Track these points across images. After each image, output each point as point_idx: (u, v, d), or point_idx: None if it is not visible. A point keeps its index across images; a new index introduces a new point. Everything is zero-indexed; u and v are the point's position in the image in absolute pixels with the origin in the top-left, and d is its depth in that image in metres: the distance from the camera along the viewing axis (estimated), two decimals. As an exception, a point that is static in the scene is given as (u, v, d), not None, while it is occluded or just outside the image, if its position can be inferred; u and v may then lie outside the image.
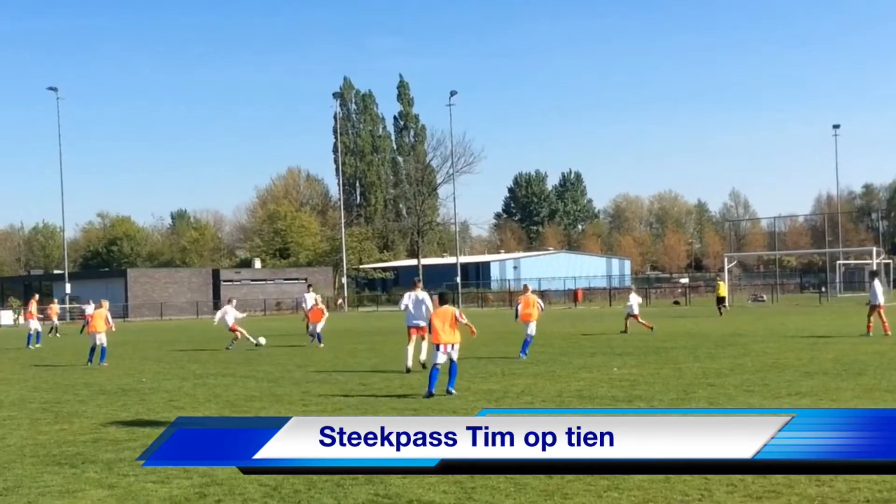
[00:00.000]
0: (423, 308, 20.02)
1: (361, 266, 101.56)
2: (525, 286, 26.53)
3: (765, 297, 69.51)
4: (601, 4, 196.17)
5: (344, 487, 8.50)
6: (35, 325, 35.80)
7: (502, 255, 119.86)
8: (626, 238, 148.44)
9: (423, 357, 19.85)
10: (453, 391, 15.26)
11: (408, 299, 20.62)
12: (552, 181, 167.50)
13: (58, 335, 43.30)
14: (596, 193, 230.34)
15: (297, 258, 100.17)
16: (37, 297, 41.06)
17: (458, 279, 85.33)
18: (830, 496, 7.68)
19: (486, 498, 7.96)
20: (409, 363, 19.73)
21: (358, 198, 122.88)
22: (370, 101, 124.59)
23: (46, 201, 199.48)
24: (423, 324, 19.51)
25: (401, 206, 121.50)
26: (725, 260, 73.30)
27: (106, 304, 25.53)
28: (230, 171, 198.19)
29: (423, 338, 19.79)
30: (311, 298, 32.01)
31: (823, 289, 74.74)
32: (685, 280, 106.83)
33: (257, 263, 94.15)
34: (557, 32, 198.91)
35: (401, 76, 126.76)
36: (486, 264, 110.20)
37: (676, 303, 72.44)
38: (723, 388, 15.30)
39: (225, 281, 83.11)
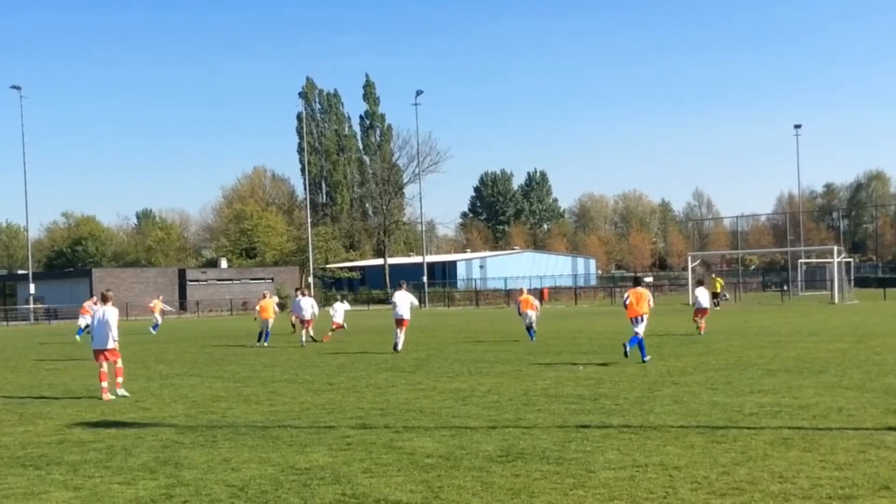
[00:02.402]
0: (408, 304, 25.53)
1: (328, 265, 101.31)
2: (521, 289, 32.52)
3: (728, 296, 70.11)
4: (566, 4, 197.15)
5: (311, 487, 8.50)
6: None
7: (468, 255, 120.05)
8: (592, 237, 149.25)
9: (399, 346, 24.98)
10: (647, 359, 20.01)
11: (396, 297, 25.97)
12: (518, 180, 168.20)
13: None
14: (561, 193, 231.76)
15: (263, 258, 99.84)
16: None
17: (425, 278, 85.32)
18: (793, 493, 7.77)
19: (452, 497, 7.99)
20: (399, 346, 25.00)
21: (324, 197, 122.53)
22: (335, 101, 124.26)
23: (10, 201, 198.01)
24: (406, 317, 25.32)
25: (367, 205, 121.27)
26: (689, 259, 73.80)
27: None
28: (196, 171, 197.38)
29: (401, 329, 25.09)
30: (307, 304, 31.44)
31: (785, 287, 75.51)
32: (650, 279, 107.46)
33: (224, 263, 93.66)
34: (523, 32, 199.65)
35: (367, 75, 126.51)
36: (453, 263, 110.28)
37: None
38: (687, 385, 15.45)
39: (191, 281, 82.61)
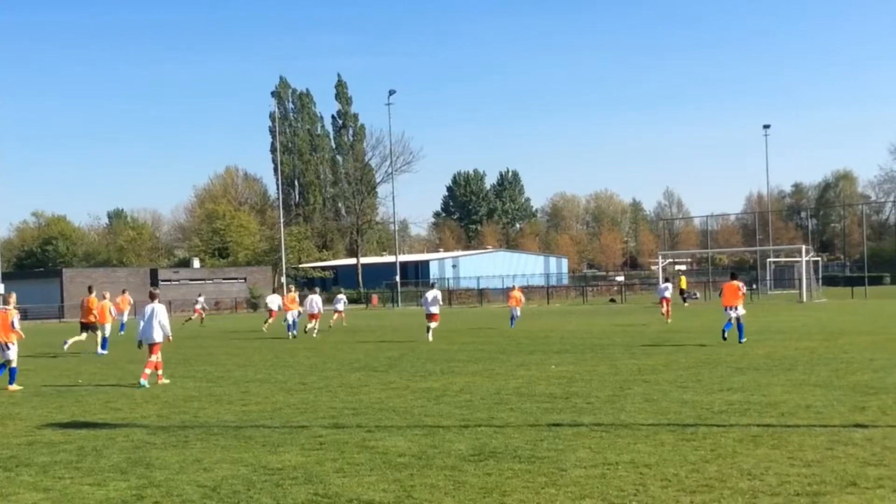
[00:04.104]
0: (435, 300, 30.03)
1: (301, 265, 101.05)
2: (513, 286, 40.75)
3: (698, 295, 70.54)
4: (539, 4, 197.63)
5: (283, 487, 8.50)
6: None
7: (441, 254, 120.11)
8: (563, 237, 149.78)
9: (430, 337, 28.83)
10: (743, 340, 23.67)
11: (427, 294, 31.05)
12: (490, 180, 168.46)
13: None
14: (533, 192, 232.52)
15: (236, 257, 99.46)
16: None
17: (398, 278, 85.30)
18: (761, 489, 7.84)
19: (425, 496, 8.01)
20: (429, 330, 29.21)
21: (297, 197, 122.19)
22: (308, 101, 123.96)
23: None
24: (434, 311, 29.72)
25: (340, 205, 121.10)
26: (660, 258, 74.26)
27: (13, 298, 19.89)
28: (168, 171, 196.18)
29: (433, 321, 29.52)
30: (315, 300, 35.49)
31: (754, 286, 76.08)
32: (621, 278, 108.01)
33: (196, 263, 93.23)
34: (495, 32, 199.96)
35: (339, 75, 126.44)
36: (426, 263, 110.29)
37: (612, 300, 73.23)
38: (657, 384, 15.56)
39: (163, 280, 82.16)
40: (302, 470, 9.21)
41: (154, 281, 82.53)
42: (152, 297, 18.98)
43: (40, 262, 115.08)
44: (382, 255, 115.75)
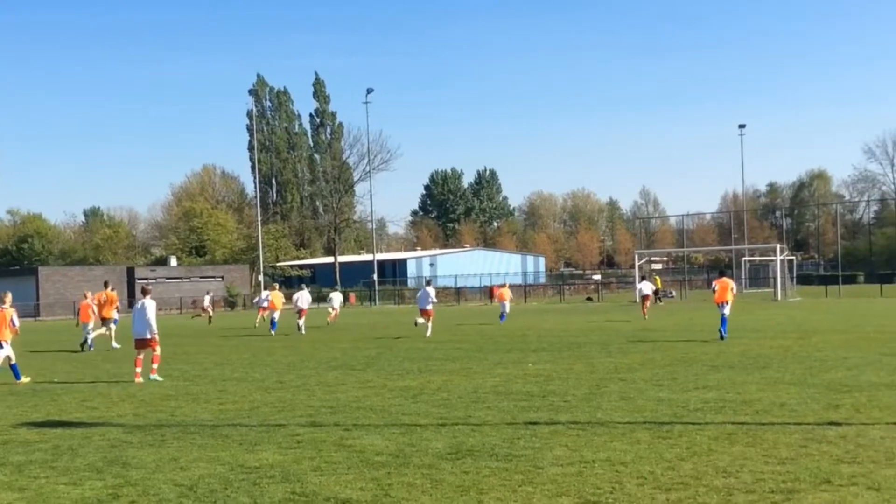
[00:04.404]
0: (428, 297, 31.19)
1: (278, 263, 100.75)
2: (503, 283, 45.66)
3: (673, 293, 70.89)
4: (516, 4, 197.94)
5: (260, 486, 8.49)
6: None
7: (419, 253, 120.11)
8: (541, 235, 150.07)
9: (423, 326, 30.70)
10: (725, 336, 24.60)
11: (421, 291, 32.43)
12: (468, 179, 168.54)
13: None
14: (511, 191, 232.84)
15: (213, 256, 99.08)
16: None
17: (375, 276, 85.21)
18: (737, 487, 7.90)
19: (402, 494, 8.02)
20: (417, 323, 31.09)
21: (274, 195, 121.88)
22: (285, 99, 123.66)
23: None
24: (428, 307, 30.95)
25: (317, 203, 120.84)
26: (636, 257, 74.51)
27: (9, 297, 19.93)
28: (145, 169, 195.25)
29: (427, 318, 30.73)
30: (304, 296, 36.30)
31: (730, 285, 76.38)
32: (598, 277, 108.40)
33: (173, 261, 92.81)
34: (473, 32, 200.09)
35: (316, 73, 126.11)
36: (403, 261, 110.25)
37: (589, 299, 73.45)
38: (633, 382, 15.64)
39: (140, 279, 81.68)
40: (279, 468, 9.20)
41: (131, 279, 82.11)
42: (144, 292, 19.20)
43: (16, 260, 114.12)
44: (360, 254, 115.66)
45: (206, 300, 51.35)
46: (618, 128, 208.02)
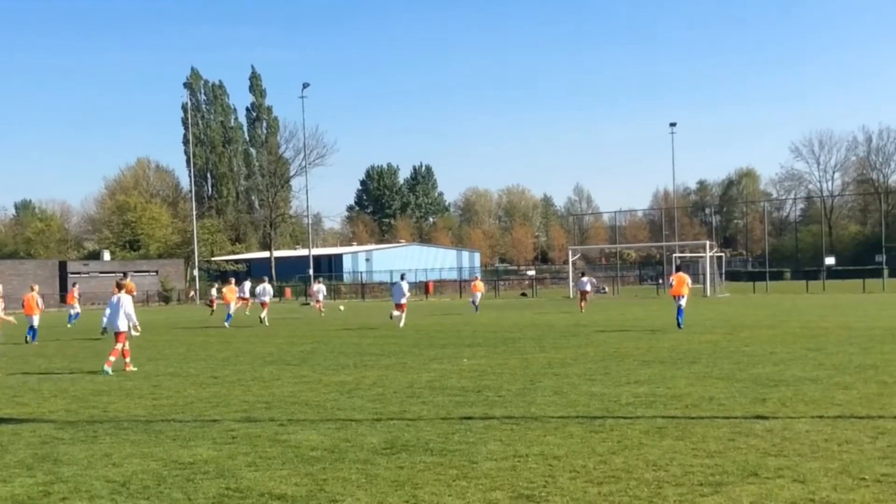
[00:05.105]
0: (402, 291, 33.22)
1: (213, 258, 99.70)
2: (475, 277, 56.95)
3: (606, 289, 71.72)
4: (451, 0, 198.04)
5: (194, 482, 8.42)
6: None
7: (355, 248, 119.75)
8: (476, 231, 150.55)
9: (395, 318, 32.83)
10: (681, 325, 27.08)
11: (395, 286, 34.30)
12: (404, 174, 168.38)
13: None
14: (446, 187, 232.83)
15: (147, 250, 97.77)
16: None
17: (311, 271, 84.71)
18: (666, 480, 8.02)
19: (337, 489, 8.01)
20: (392, 316, 33.16)
21: (209, 189, 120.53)
22: (221, 92, 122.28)
23: None
24: (402, 301, 32.98)
25: (253, 198, 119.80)
26: (570, 253, 75.22)
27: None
28: (78, 162, 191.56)
29: (401, 311, 32.93)
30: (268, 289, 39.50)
31: (661, 281, 77.59)
32: (532, 272, 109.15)
33: (106, 255, 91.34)
34: (410, 27, 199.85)
35: (252, 67, 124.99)
36: (339, 257, 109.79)
37: (524, 294, 73.96)
38: (567, 377, 15.80)
39: (72, 273, 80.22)
40: (213, 464, 9.15)
41: (63, 273, 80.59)
42: (119, 287, 19.64)
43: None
44: (296, 249, 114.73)
45: (212, 294, 51.87)
46: (552, 125, 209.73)
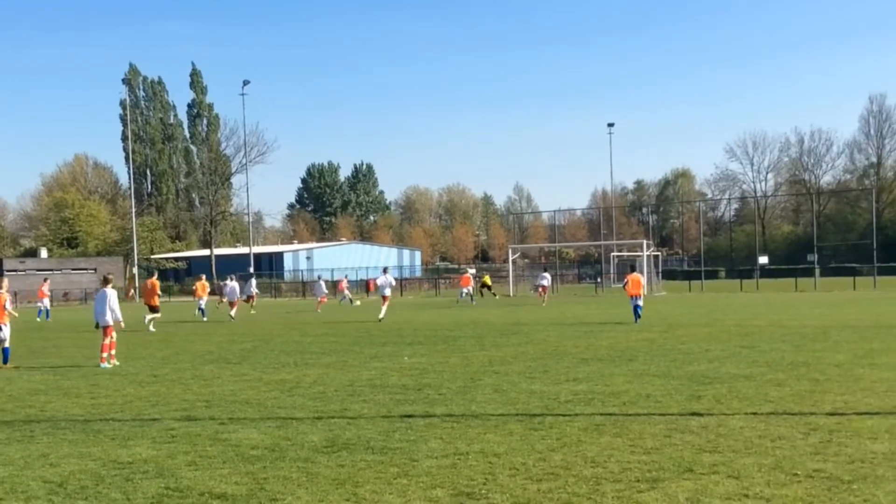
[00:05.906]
0: (388, 285, 34.63)
1: (153, 256, 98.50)
2: (465, 269, 56.95)
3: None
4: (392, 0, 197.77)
5: (133, 481, 8.36)
6: None
7: (295, 246, 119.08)
8: (417, 229, 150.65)
9: (381, 315, 33.72)
10: (638, 322, 28.60)
11: (381, 280, 35.16)
12: (345, 172, 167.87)
13: None
14: (387, 185, 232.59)
15: (85, 248, 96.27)
16: None
17: (252, 269, 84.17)
18: (604, 476, 8.13)
19: (278, 488, 8.01)
20: (381, 316, 33.66)
21: (149, 187, 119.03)
22: (160, 89, 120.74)
23: None
24: (387, 293, 34.44)
25: (193, 195, 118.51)
26: (510, 251, 75.63)
27: (5, 282, 21.00)
28: (13, 157, 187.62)
29: (384, 302, 34.48)
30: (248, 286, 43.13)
31: (599, 279, 78.40)
32: (472, 271, 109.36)
33: (44, 253, 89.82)
34: (349, 25, 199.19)
35: (193, 64, 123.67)
36: (280, 255, 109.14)
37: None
38: (507, 375, 15.92)
39: (9, 270, 78.61)
40: (153, 463, 9.10)
41: None
42: (105, 282, 20.53)
43: None
44: (236, 247, 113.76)
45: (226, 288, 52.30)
46: (492, 124, 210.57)
